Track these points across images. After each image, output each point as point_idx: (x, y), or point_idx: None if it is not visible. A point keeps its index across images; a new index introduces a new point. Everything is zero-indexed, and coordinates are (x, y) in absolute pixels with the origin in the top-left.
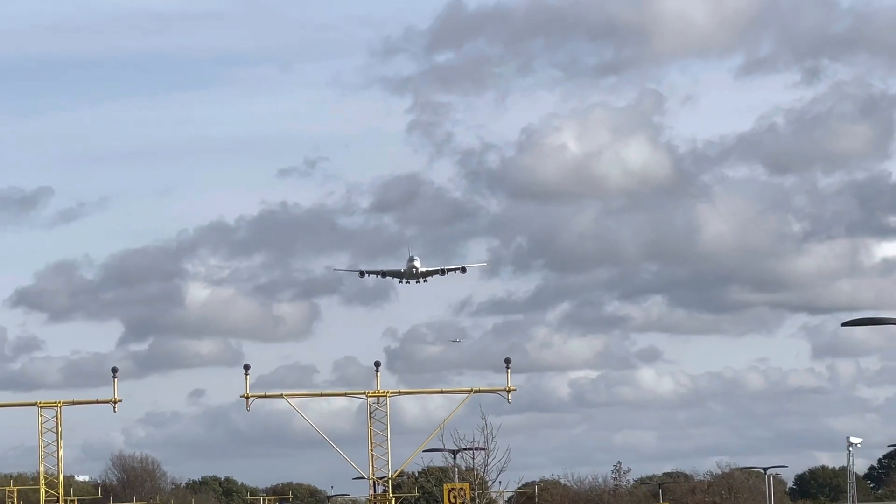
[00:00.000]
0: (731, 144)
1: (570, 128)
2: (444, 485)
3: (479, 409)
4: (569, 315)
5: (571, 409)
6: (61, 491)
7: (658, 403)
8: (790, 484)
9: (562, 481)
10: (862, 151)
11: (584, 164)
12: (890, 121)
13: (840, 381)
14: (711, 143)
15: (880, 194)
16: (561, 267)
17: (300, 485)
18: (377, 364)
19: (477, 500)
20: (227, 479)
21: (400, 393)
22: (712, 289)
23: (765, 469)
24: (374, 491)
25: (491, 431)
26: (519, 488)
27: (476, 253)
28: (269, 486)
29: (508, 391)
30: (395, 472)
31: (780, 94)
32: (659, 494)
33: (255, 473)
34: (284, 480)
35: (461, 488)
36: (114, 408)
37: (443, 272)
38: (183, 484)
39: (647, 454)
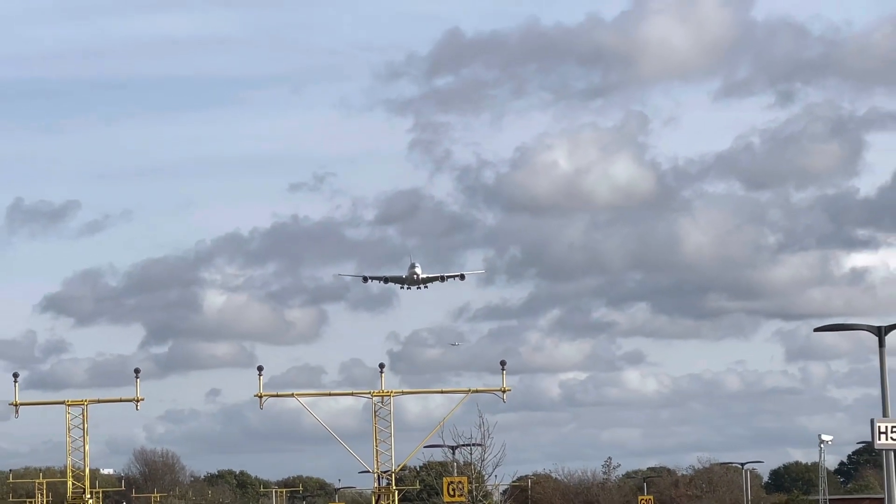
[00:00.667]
0: (710, 162)
1: (560, 146)
2: (444, 478)
3: (477, 408)
4: (559, 321)
5: (562, 409)
6: (87, 483)
7: (643, 403)
8: (766, 478)
9: (553, 475)
10: (832, 169)
11: (574, 180)
12: (858, 140)
13: (812, 382)
14: (692, 161)
15: (849, 209)
16: (552, 276)
17: (310, 478)
18: (381, 366)
19: (474, 493)
20: (242, 473)
21: (402, 393)
22: (693, 296)
23: (742, 464)
24: (379, 484)
25: (487, 429)
26: (513, 482)
27: (473, 262)
28: (280, 479)
29: (504, 391)
30: (398, 466)
31: (755, 116)
32: (644, 488)
33: (267, 467)
34: (295, 474)
35: (459, 482)
36: (136, 406)
37: (442, 279)
38: (201, 477)
39: (633, 450)
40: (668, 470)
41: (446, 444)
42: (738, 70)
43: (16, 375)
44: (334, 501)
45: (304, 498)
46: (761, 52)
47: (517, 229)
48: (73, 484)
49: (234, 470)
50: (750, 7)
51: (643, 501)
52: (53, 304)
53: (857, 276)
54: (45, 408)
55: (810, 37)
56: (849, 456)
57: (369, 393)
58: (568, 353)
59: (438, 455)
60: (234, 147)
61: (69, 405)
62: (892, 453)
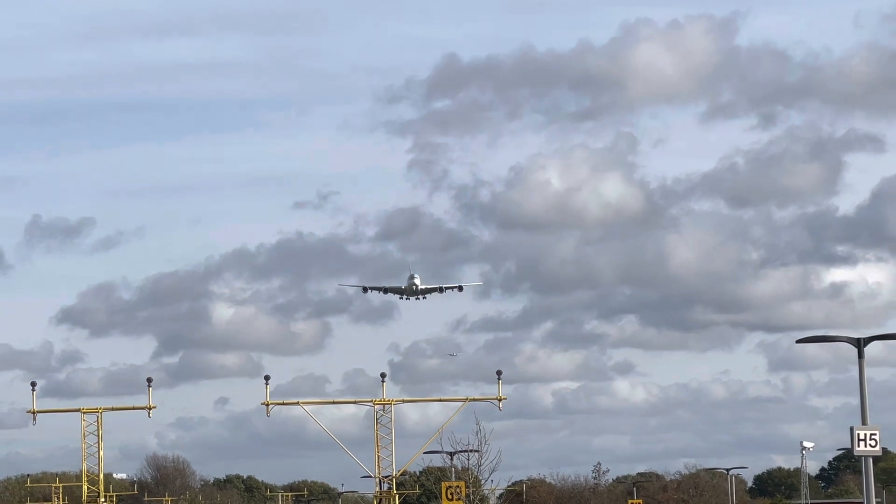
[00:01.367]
0: (696, 181)
1: (553, 166)
2: (442, 483)
3: (474, 416)
4: (552, 332)
5: (555, 416)
6: (101, 487)
7: (632, 411)
8: (750, 483)
9: (547, 480)
10: (812, 188)
11: (566, 199)
12: (837, 161)
13: (793, 391)
14: (679, 180)
15: (828, 226)
16: (545, 290)
17: (314, 482)
18: (383, 375)
19: (471, 497)
20: (249, 478)
21: (403, 401)
22: (680, 309)
23: (727, 470)
24: (380, 488)
25: (484, 435)
26: (509, 486)
27: (470, 277)
28: (286, 483)
29: (500, 400)
30: (399, 471)
31: (739, 137)
32: (633, 492)
33: (274, 472)
34: (300, 478)
35: (457, 486)
36: (149, 413)
37: (441, 290)
38: (210, 481)
39: (622, 456)
40: (657, 475)
41: (445, 450)
42: (722, 94)
43: (33, 384)
44: None
45: (308, 501)
46: (745, 76)
47: (512, 245)
48: (88, 488)
49: (241, 475)
50: (734, 34)
51: None
52: (69, 317)
53: (837, 290)
54: (61, 415)
55: (791, 62)
56: (829, 462)
57: (371, 401)
58: (560, 364)
59: (437, 461)
60: (241, 167)
61: (84, 413)
62: (871, 459)
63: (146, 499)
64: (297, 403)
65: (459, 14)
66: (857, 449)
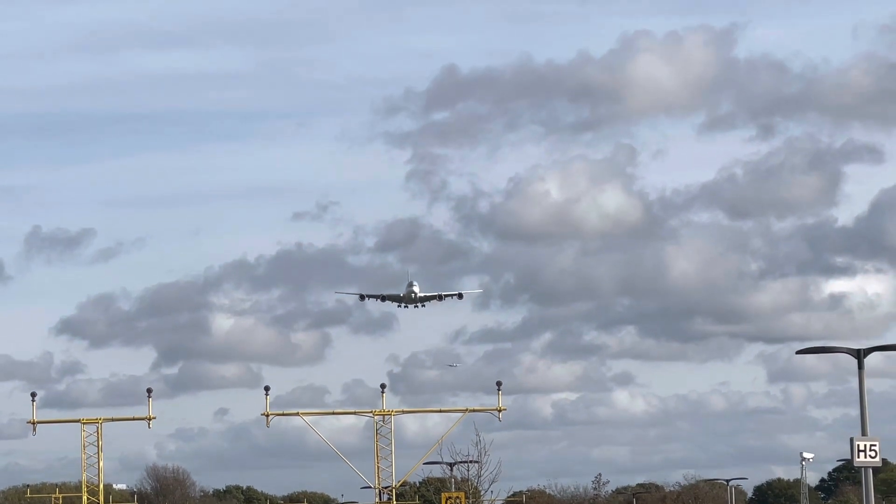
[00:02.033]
0: (695, 193)
1: (552, 177)
2: (442, 494)
3: (474, 427)
4: (551, 343)
5: (554, 427)
6: (101, 498)
7: (631, 422)
8: (750, 494)
9: (547, 491)
10: (811, 199)
11: (565, 210)
12: (836, 172)
13: (793, 403)
14: (678, 192)
15: (827, 237)
16: (544, 301)
17: (314, 493)
18: (383, 386)
19: None
20: (249, 488)
21: (403, 412)
22: (679, 320)
23: (727, 481)
24: (380, 499)
25: (484, 446)
26: (508, 497)
27: (469, 288)
28: (286, 494)
29: (500, 410)
30: (399, 482)
31: (738, 149)
32: (633, 503)
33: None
34: (300, 489)
35: (457, 497)
36: (148, 424)
37: (440, 297)
38: (210, 492)
39: (622, 467)
40: (657, 486)
41: (444, 460)
42: (721, 105)
43: (34, 395)
44: None
45: None
46: (744, 88)
47: (511, 256)
48: (89, 498)
49: (241, 485)
50: (732, 45)
51: None
52: (69, 327)
53: (836, 301)
54: (61, 426)
55: (790, 73)
56: (829, 473)
57: (371, 412)
58: (560, 375)
59: (437, 471)
60: (241, 177)
61: (84, 423)
62: (871, 470)
63: None
64: (298, 414)
65: (458, 25)
66: (857, 460)
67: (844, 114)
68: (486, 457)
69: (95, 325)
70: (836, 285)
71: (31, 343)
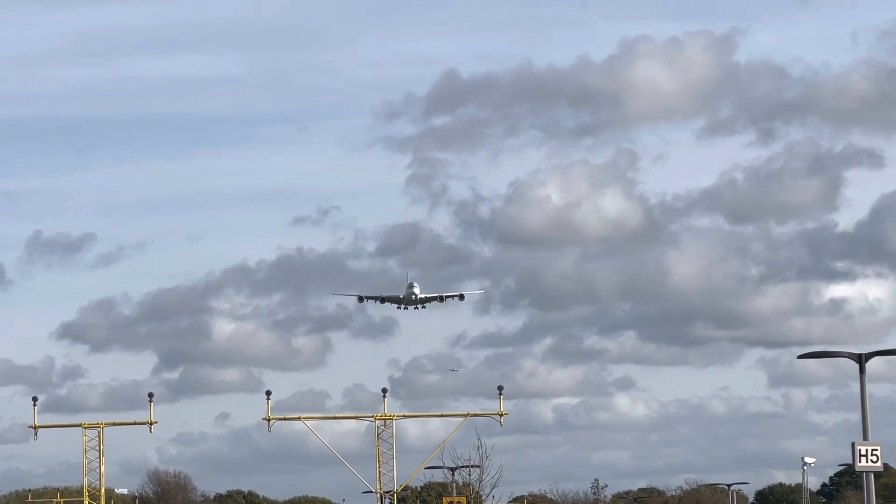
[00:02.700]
0: (696, 197)
1: (553, 182)
2: (444, 498)
3: (475, 431)
4: (552, 348)
5: (555, 432)
6: (103, 503)
7: (632, 426)
8: (751, 499)
9: (548, 495)
10: (811, 204)
11: (566, 214)
12: (836, 177)
13: (793, 407)
14: (679, 196)
15: (828, 242)
16: (545, 305)
17: (315, 498)
18: (384, 391)
19: None
20: (251, 493)
21: (404, 416)
22: (679, 325)
23: (729, 485)
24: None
25: (485, 451)
26: (510, 502)
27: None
28: (287, 498)
29: (501, 415)
30: (400, 486)
31: (738, 153)
32: None
33: (275, 488)
34: (301, 494)
35: (459, 501)
36: (150, 429)
37: (441, 299)
38: (211, 497)
39: (623, 472)
40: (658, 490)
41: (446, 465)
42: (721, 110)
43: (35, 399)
44: None
45: None
46: (744, 92)
47: (512, 261)
48: (90, 503)
49: (243, 490)
50: (733, 50)
51: None
52: (70, 332)
53: (836, 306)
54: (62, 430)
55: (790, 78)
56: (830, 478)
57: (372, 417)
58: (561, 379)
59: (439, 476)
60: (241, 182)
61: (86, 428)
62: (872, 475)
63: None
64: (300, 419)
65: (458, 30)
66: (859, 465)
67: (844, 118)
68: (488, 461)
69: (96, 329)
70: (837, 290)
71: (32, 348)
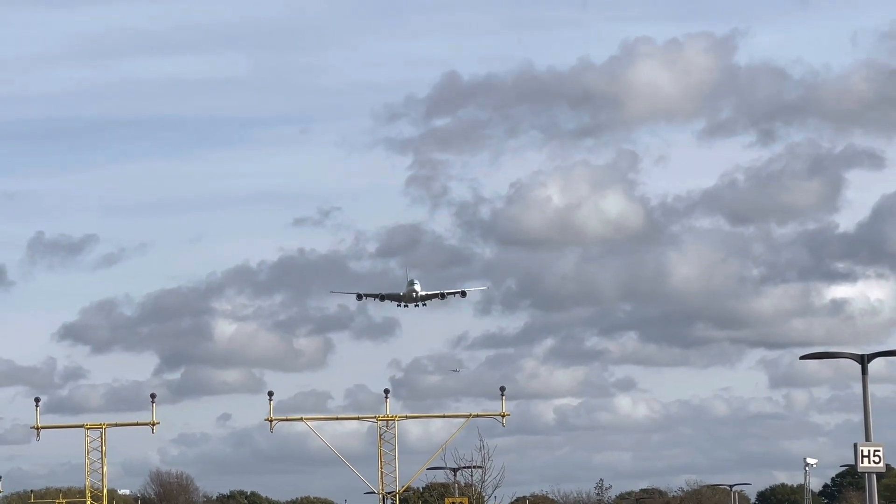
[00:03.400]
0: (696, 198)
1: (554, 183)
2: (446, 499)
3: (477, 432)
4: (553, 349)
5: (557, 433)
6: (105, 503)
7: (633, 427)
8: (753, 499)
9: (549, 496)
10: (812, 205)
11: (566, 215)
12: (837, 178)
13: (795, 408)
14: (679, 198)
15: (828, 243)
16: (546, 306)
17: (317, 498)
18: (386, 391)
19: None
20: (253, 493)
21: (406, 417)
22: (680, 326)
23: (730, 486)
24: None
25: (487, 452)
26: (512, 502)
27: (471, 294)
28: (289, 499)
29: (503, 416)
30: (402, 487)
31: (739, 154)
32: None
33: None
34: (303, 494)
35: (461, 502)
36: (152, 429)
37: (442, 296)
38: (213, 497)
39: (624, 472)
40: (659, 491)
41: (448, 466)
42: (722, 111)
43: (37, 400)
44: None
45: None
46: (744, 94)
47: (513, 262)
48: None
49: (245, 491)
50: (733, 52)
51: None
52: (71, 333)
53: (837, 307)
54: (64, 431)
55: (791, 80)
56: (832, 478)
57: (374, 417)
58: (562, 380)
59: (440, 477)
60: (243, 183)
61: (88, 428)
62: (874, 476)
63: None
64: (301, 419)
65: (459, 32)
66: (861, 465)
67: (845, 120)
68: (490, 462)
69: (98, 330)
70: (838, 291)
71: (33, 348)
